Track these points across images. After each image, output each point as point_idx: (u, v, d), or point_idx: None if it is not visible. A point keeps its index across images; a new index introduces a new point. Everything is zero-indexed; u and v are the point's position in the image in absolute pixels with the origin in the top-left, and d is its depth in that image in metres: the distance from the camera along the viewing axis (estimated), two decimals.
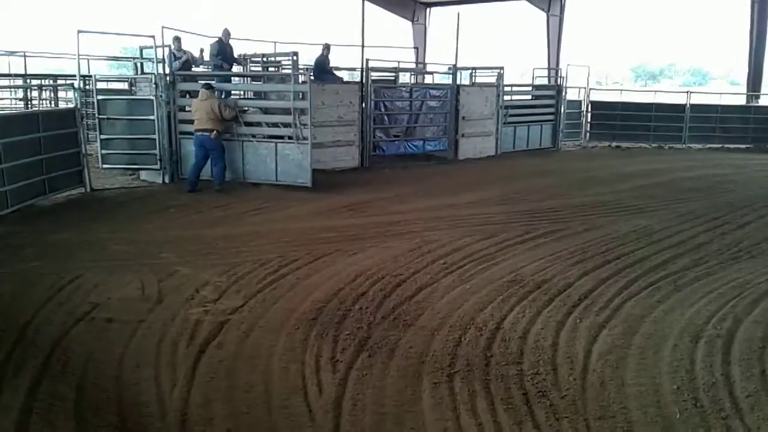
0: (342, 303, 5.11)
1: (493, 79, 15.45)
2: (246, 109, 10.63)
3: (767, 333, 4.58)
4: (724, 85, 60.97)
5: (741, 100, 20.12)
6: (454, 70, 14.32)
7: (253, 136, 10.27)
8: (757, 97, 19.70)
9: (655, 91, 24.25)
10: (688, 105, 18.12)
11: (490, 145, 15.09)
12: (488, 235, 7.32)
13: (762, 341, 4.44)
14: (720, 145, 18.03)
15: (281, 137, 10.20)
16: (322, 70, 13.69)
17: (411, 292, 5.38)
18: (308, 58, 15.90)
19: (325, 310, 4.97)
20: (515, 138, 16.01)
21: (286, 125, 10.17)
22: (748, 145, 17.93)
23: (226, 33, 12.38)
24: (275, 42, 15.86)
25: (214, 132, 9.61)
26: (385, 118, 13.53)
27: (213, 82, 10.37)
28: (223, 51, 12.35)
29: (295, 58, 11.58)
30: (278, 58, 14.32)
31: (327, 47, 13.71)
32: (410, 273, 5.89)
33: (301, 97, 10.04)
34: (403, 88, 14.33)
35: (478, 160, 14.40)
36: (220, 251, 6.60)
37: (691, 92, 18.86)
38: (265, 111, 10.92)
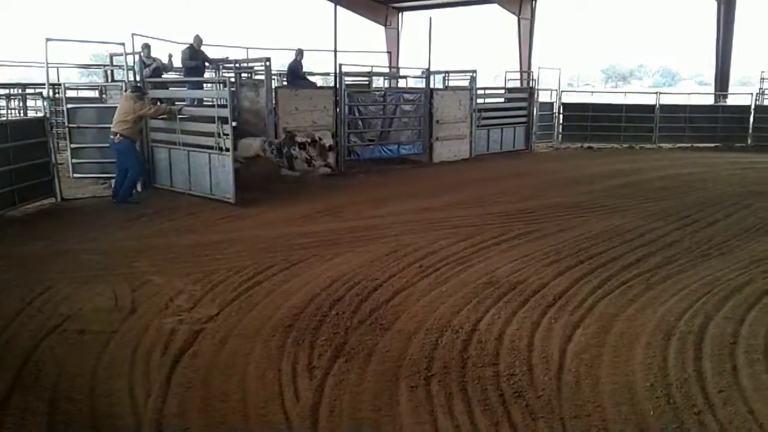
0: (318, 309, 5.10)
1: (466, 83, 15.55)
2: (173, 106, 10.02)
3: (738, 329, 4.66)
4: (693, 85, 62.33)
5: (709, 100, 20.48)
6: (427, 74, 14.39)
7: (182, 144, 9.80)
8: (725, 96, 20.07)
9: (626, 92, 24.68)
10: (657, 105, 18.40)
11: (464, 148, 15.16)
12: (463, 238, 7.36)
13: (733, 337, 4.52)
14: (689, 145, 18.33)
15: (210, 147, 9.57)
16: (296, 75, 13.74)
17: (387, 296, 5.38)
18: (281, 63, 15.90)
19: (302, 316, 4.95)
20: (489, 141, 16.13)
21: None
22: (716, 144, 18.26)
23: (198, 39, 12.26)
24: (248, 48, 15.76)
25: (117, 136, 9.26)
26: (360, 122, 13.51)
27: (143, 86, 10.10)
28: (195, 57, 12.23)
29: (267, 63, 11.51)
30: (251, 64, 14.24)
31: (300, 52, 13.74)
32: (386, 277, 5.90)
33: (223, 103, 9.45)
34: (377, 93, 14.38)
35: (452, 163, 14.48)
36: (194, 259, 6.54)
37: (660, 93, 19.18)
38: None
